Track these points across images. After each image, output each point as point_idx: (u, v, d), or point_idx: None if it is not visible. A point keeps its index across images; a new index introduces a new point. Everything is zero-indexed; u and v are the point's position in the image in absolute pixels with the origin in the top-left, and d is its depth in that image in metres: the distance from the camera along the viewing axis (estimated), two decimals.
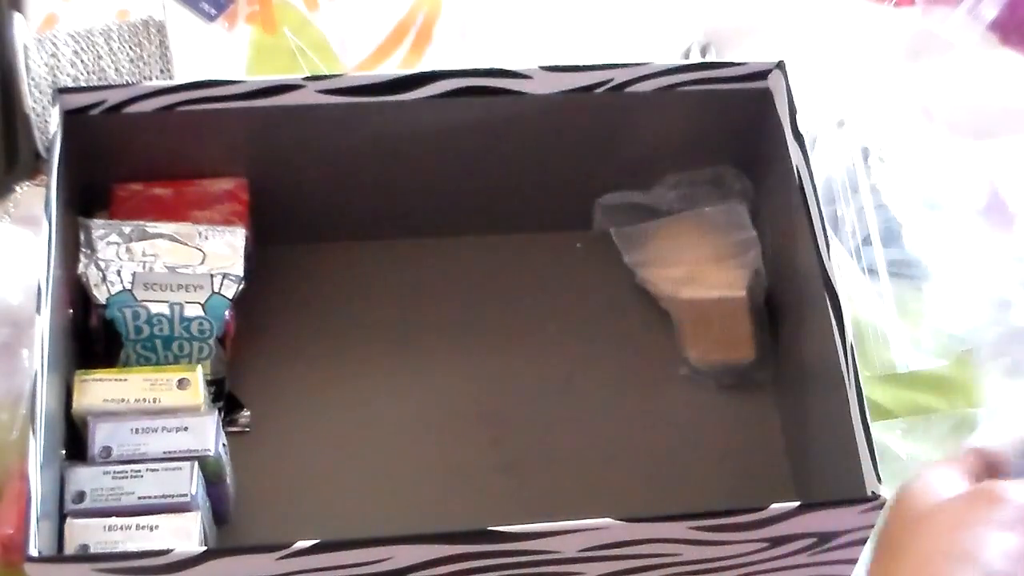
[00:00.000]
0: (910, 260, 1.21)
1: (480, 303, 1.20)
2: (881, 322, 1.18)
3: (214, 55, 1.32)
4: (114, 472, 1.00)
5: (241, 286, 1.09)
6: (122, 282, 1.07)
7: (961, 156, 1.28)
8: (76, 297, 1.08)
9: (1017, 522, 0.76)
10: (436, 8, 1.36)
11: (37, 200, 1.09)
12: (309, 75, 1.10)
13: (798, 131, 1.09)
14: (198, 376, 1.05)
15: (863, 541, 0.99)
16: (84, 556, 0.96)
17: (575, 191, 1.21)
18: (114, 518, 0.98)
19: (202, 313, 1.08)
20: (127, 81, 1.22)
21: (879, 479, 0.95)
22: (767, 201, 1.18)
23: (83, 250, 1.08)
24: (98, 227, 1.09)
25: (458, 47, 1.34)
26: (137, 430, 1.02)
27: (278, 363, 1.16)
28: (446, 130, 1.14)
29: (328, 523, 1.08)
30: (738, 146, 1.18)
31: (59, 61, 1.21)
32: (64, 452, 1.01)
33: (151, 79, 1.22)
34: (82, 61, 1.22)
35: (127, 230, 1.09)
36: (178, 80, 1.17)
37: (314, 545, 0.91)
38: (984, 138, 1.30)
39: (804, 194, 1.08)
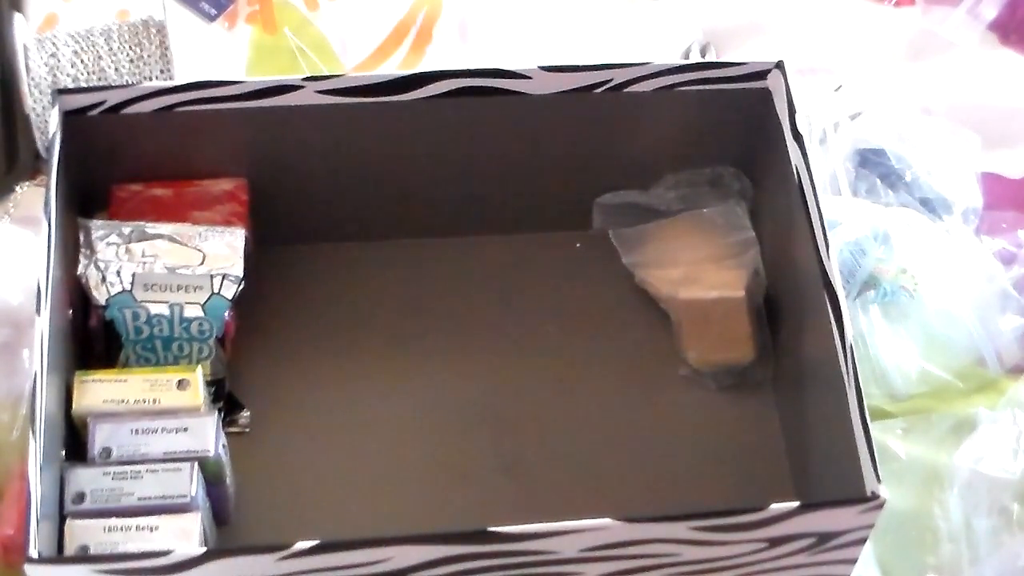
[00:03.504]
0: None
1: (480, 303, 1.20)
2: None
3: (214, 55, 1.32)
4: (114, 473, 1.00)
5: (241, 287, 1.09)
6: (122, 283, 1.07)
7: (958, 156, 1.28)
8: (76, 298, 1.08)
9: None
10: (436, 8, 1.36)
11: (37, 200, 1.09)
12: (309, 75, 1.10)
13: (797, 131, 1.09)
14: (198, 377, 1.05)
15: (862, 541, 0.99)
16: (84, 557, 0.96)
17: (574, 191, 1.21)
18: (114, 519, 0.98)
19: (202, 314, 1.08)
20: (127, 81, 1.22)
21: (879, 479, 0.95)
22: (766, 201, 1.18)
23: (83, 251, 1.08)
24: (98, 228, 1.09)
25: (458, 47, 1.34)
26: (137, 431, 1.02)
27: (278, 363, 1.16)
28: (446, 130, 1.14)
29: (328, 523, 1.08)
30: (737, 146, 1.18)
31: (59, 61, 1.21)
32: (64, 453, 1.01)
33: (151, 79, 1.22)
34: (82, 61, 1.22)
35: (127, 231, 1.09)
36: (178, 80, 1.17)
37: (314, 546, 0.91)
38: (984, 137, 1.30)
39: (803, 194, 1.08)
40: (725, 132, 1.17)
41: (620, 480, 1.13)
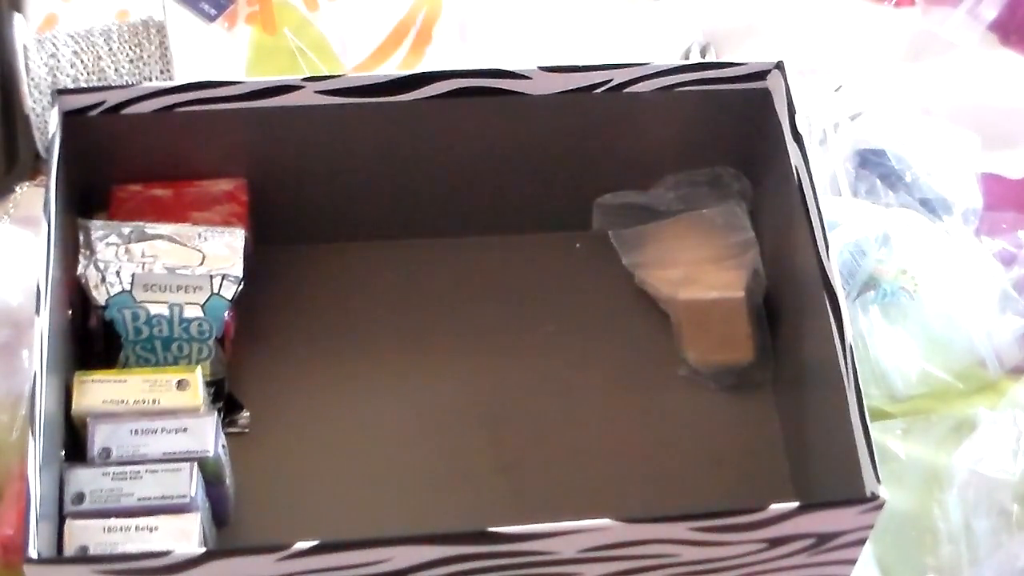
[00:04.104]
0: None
1: (480, 303, 1.20)
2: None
3: (214, 55, 1.32)
4: (113, 473, 1.00)
5: (240, 287, 1.09)
6: (121, 283, 1.07)
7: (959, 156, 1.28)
8: (75, 298, 1.08)
9: None
10: (436, 8, 1.36)
11: (37, 201, 1.09)
12: (309, 76, 1.10)
13: (797, 131, 1.09)
14: (197, 377, 1.05)
15: (862, 541, 0.99)
16: (83, 558, 0.96)
17: (574, 191, 1.21)
18: (113, 519, 0.98)
19: (201, 314, 1.08)
20: (127, 82, 1.22)
21: (878, 480, 0.95)
22: (766, 201, 1.18)
23: (82, 251, 1.08)
24: (97, 228, 1.09)
25: (458, 47, 1.34)
26: (136, 431, 1.02)
27: (278, 364, 1.16)
28: (446, 130, 1.14)
29: (328, 524, 1.08)
30: (737, 146, 1.17)
31: (59, 62, 1.21)
32: (64, 453, 1.01)
33: (151, 80, 1.22)
34: (82, 62, 1.22)
35: (126, 231, 1.09)
36: (178, 81, 1.18)
37: (314, 546, 0.91)
38: (984, 138, 1.30)
39: (803, 194, 1.08)
40: (725, 132, 1.17)
41: (620, 480, 1.13)
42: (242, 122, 1.11)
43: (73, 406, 1.03)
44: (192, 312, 1.08)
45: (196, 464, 1.01)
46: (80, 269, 1.08)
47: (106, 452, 1.01)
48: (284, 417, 1.14)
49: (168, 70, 1.23)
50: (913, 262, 1.20)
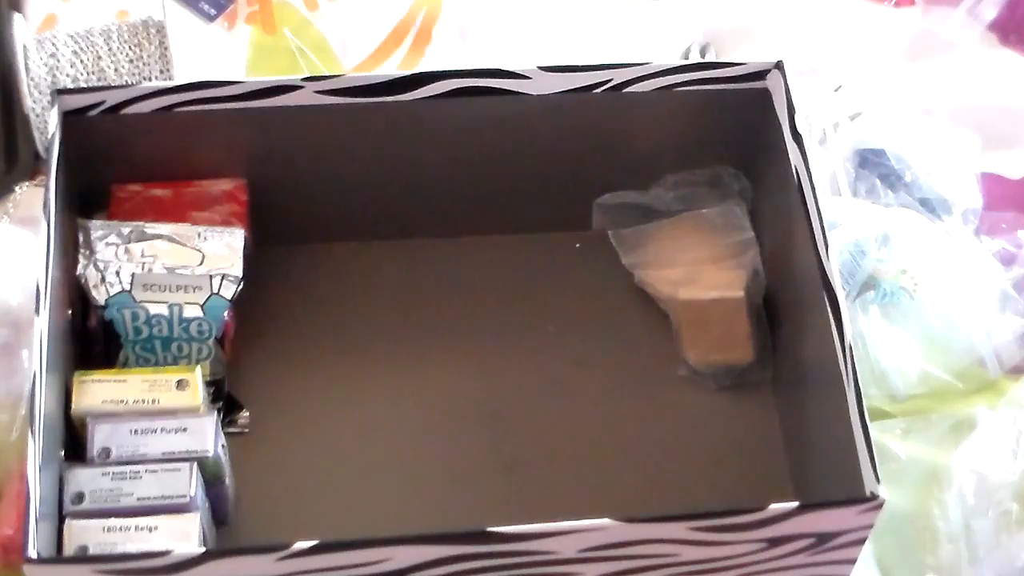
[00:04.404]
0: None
1: (480, 303, 1.20)
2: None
3: (214, 55, 1.32)
4: (113, 473, 1.00)
5: (240, 287, 1.09)
6: (121, 283, 1.07)
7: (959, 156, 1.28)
8: (75, 298, 1.08)
9: None
10: (436, 8, 1.36)
11: (36, 201, 1.09)
12: (308, 76, 1.10)
13: (797, 131, 1.09)
14: (197, 377, 1.05)
15: (862, 541, 0.99)
16: (83, 557, 0.96)
17: (574, 191, 1.21)
18: (113, 519, 0.98)
19: (201, 314, 1.08)
20: (126, 82, 1.22)
21: (878, 479, 0.95)
22: (766, 201, 1.18)
23: (82, 251, 1.08)
24: (97, 228, 1.09)
25: (458, 47, 1.34)
26: (136, 431, 1.02)
27: (277, 364, 1.16)
28: (446, 130, 1.14)
29: (327, 524, 1.08)
30: (737, 146, 1.18)
31: (58, 61, 1.21)
32: (63, 453, 1.01)
33: (150, 80, 1.22)
34: (81, 62, 1.22)
35: (126, 231, 1.09)
36: (177, 81, 1.18)
37: (313, 546, 0.91)
38: (984, 138, 1.30)
39: (803, 194, 1.08)
40: (725, 132, 1.17)
41: (620, 480, 1.13)
42: (242, 122, 1.11)
43: (73, 406, 1.03)
44: (192, 312, 1.08)
45: (196, 464, 1.01)
46: (80, 269, 1.08)
47: (106, 452, 1.01)
48: (284, 417, 1.14)
49: (168, 70, 1.23)
50: (913, 262, 1.20)
